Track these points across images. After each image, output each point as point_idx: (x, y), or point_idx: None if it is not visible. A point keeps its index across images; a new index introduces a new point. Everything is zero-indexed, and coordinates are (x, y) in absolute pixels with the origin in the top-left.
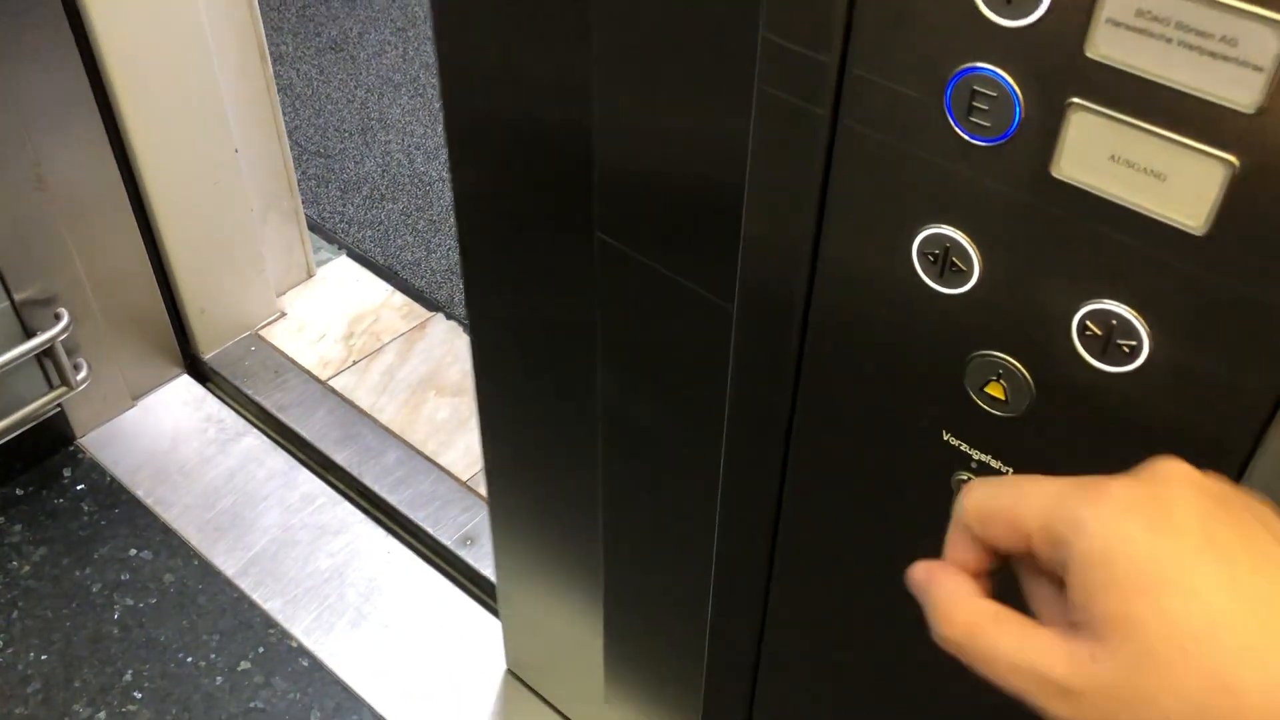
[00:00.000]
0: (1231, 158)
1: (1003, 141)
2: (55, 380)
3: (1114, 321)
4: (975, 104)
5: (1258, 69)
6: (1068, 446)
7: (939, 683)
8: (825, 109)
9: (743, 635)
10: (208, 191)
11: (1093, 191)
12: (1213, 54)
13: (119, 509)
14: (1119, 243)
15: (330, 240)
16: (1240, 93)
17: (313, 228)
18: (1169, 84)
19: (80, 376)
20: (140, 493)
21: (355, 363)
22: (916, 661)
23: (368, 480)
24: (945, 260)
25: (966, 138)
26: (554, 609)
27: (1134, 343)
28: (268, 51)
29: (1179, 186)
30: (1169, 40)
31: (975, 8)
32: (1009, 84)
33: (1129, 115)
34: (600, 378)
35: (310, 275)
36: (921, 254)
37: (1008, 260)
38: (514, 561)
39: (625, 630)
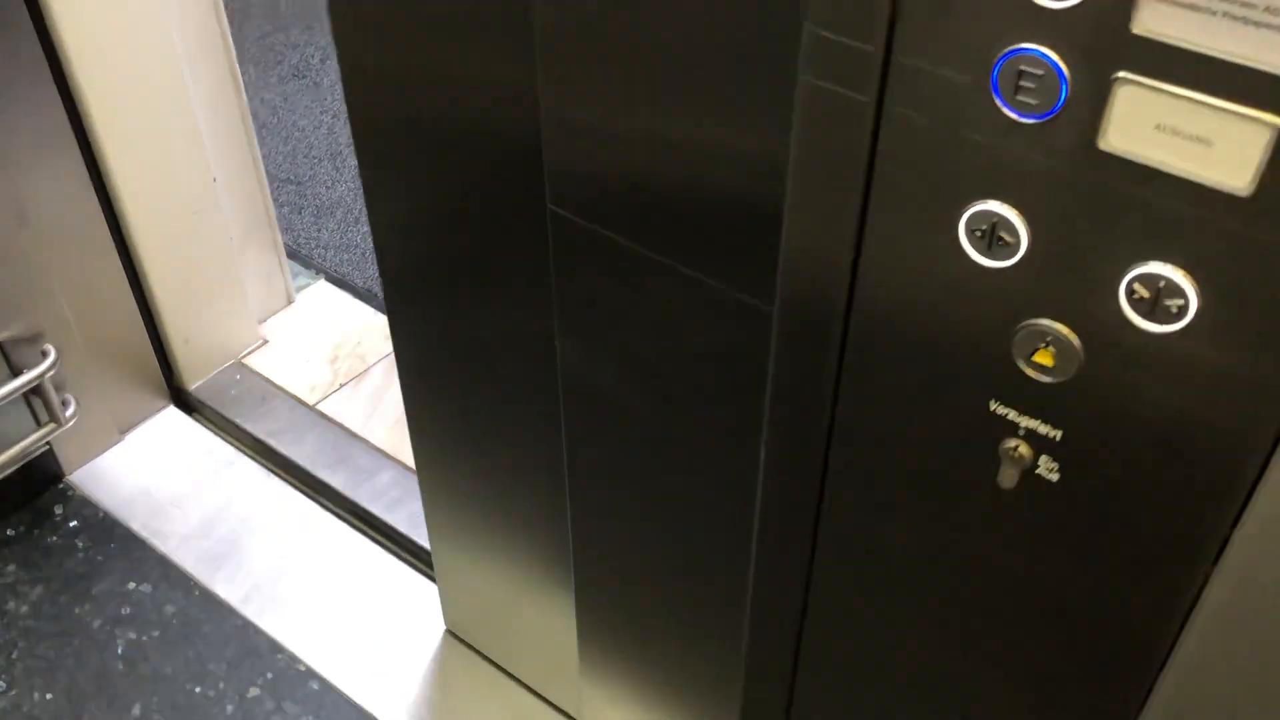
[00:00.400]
0: (1276, 119)
1: (1050, 118)
2: (44, 417)
3: (1161, 283)
4: (1022, 84)
5: None
6: (1116, 408)
7: (984, 665)
8: (870, 97)
9: (783, 627)
10: (188, 222)
11: (1139, 161)
12: (1257, 23)
13: (114, 544)
14: (1165, 208)
15: (307, 266)
16: None
17: (289, 254)
18: (1214, 54)
19: (69, 413)
20: (135, 526)
21: (342, 386)
22: (959, 649)
23: (363, 501)
24: (992, 235)
25: (1014, 116)
26: (492, 572)
27: (1181, 302)
28: (241, 80)
29: (1224, 151)
30: (1214, 13)
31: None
32: (1055, 63)
33: (1175, 86)
34: (560, 350)
35: (290, 301)
36: (969, 230)
37: (1055, 231)
38: (445, 527)
39: (597, 600)
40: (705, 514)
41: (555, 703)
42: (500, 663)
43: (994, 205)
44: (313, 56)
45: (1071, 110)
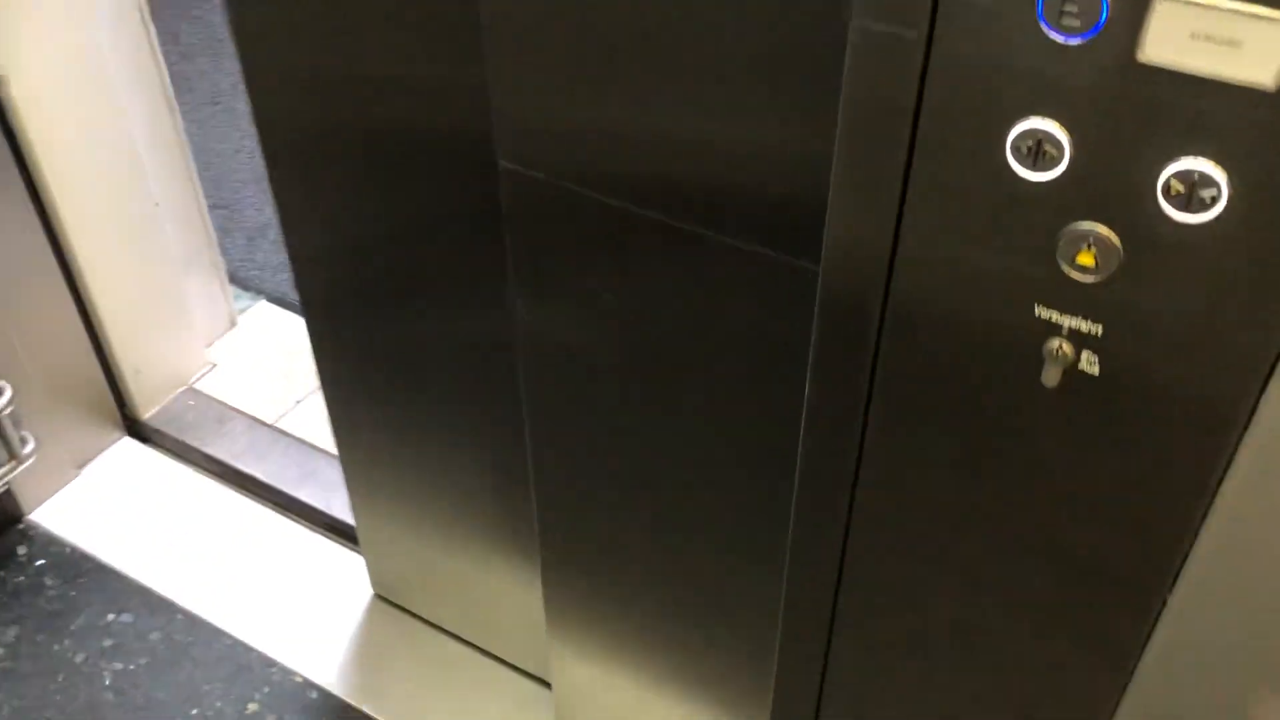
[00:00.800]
0: None
1: (1092, 37)
2: (2, 456)
3: (1196, 177)
4: (1065, 8)
5: None
6: (1152, 299)
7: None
8: (921, 33)
9: (825, 560)
10: (133, 249)
11: (1176, 69)
12: None
13: (85, 578)
14: (1200, 109)
15: (246, 288)
16: None
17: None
18: None
19: (27, 450)
20: (106, 558)
21: (299, 401)
22: (998, 566)
23: (336, 513)
24: (1038, 151)
25: (1058, 39)
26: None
27: (1214, 192)
28: (176, 104)
29: (1253, 51)
30: None
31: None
32: None
33: None
34: (518, 305)
35: (234, 324)
36: (1014, 149)
37: (1097, 140)
38: (368, 492)
39: (562, 556)
40: (675, 457)
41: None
42: (464, 637)
43: (1039, 123)
44: (222, 83)
45: (1112, 28)
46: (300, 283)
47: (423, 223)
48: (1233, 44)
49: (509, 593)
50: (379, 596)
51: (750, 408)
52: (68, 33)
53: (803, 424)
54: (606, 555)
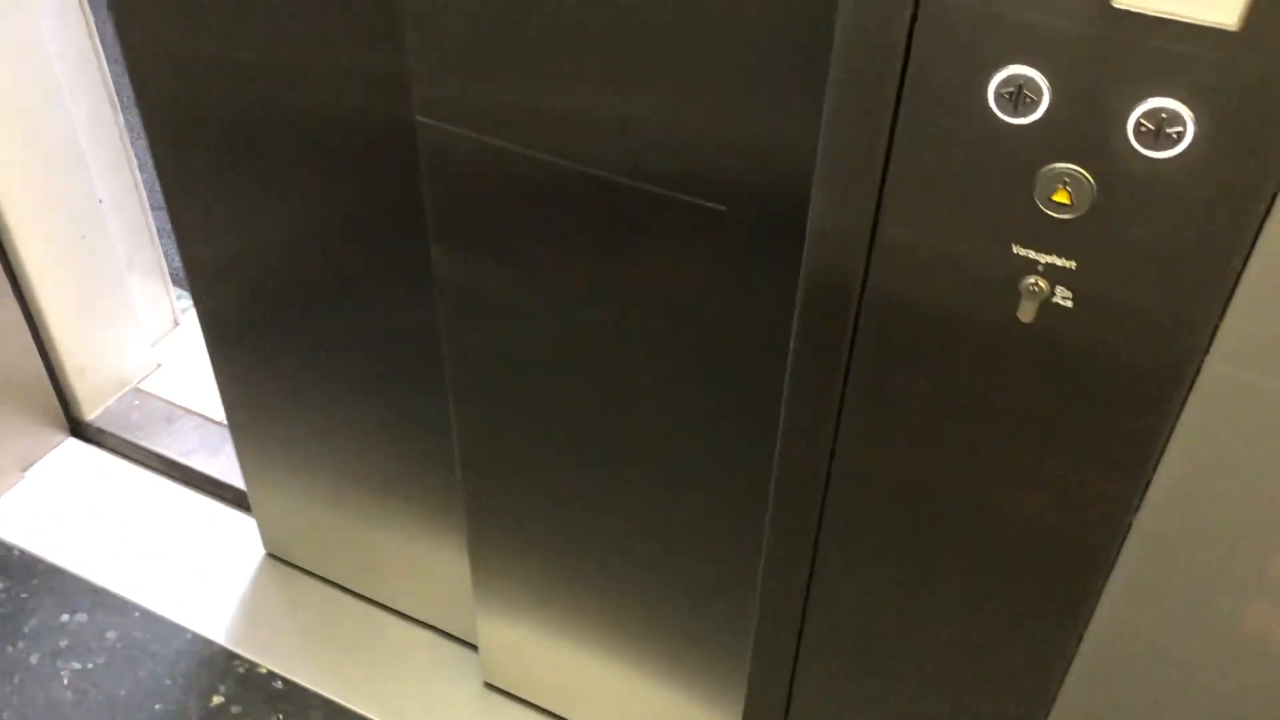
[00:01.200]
0: None
1: None
2: None
3: (1164, 115)
4: None
5: None
6: (1123, 232)
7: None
8: None
9: (806, 496)
10: (77, 246)
11: (1147, 13)
12: None
13: (37, 579)
14: (1169, 50)
15: (187, 288)
16: None
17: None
18: None
19: None
20: (57, 560)
21: None
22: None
23: None
24: (1019, 96)
25: None
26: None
27: (1180, 129)
28: (118, 101)
29: None
30: None
31: None
32: None
33: None
34: (434, 259)
35: (177, 324)
36: (997, 94)
37: (1075, 84)
38: (257, 452)
39: (487, 519)
40: (604, 411)
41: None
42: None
43: (1020, 69)
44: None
45: None
46: (188, 262)
47: (325, 209)
48: None
49: (438, 562)
50: (315, 577)
51: (678, 360)
52: (9, 28)
53: (786, 381)
54: (536, 518)
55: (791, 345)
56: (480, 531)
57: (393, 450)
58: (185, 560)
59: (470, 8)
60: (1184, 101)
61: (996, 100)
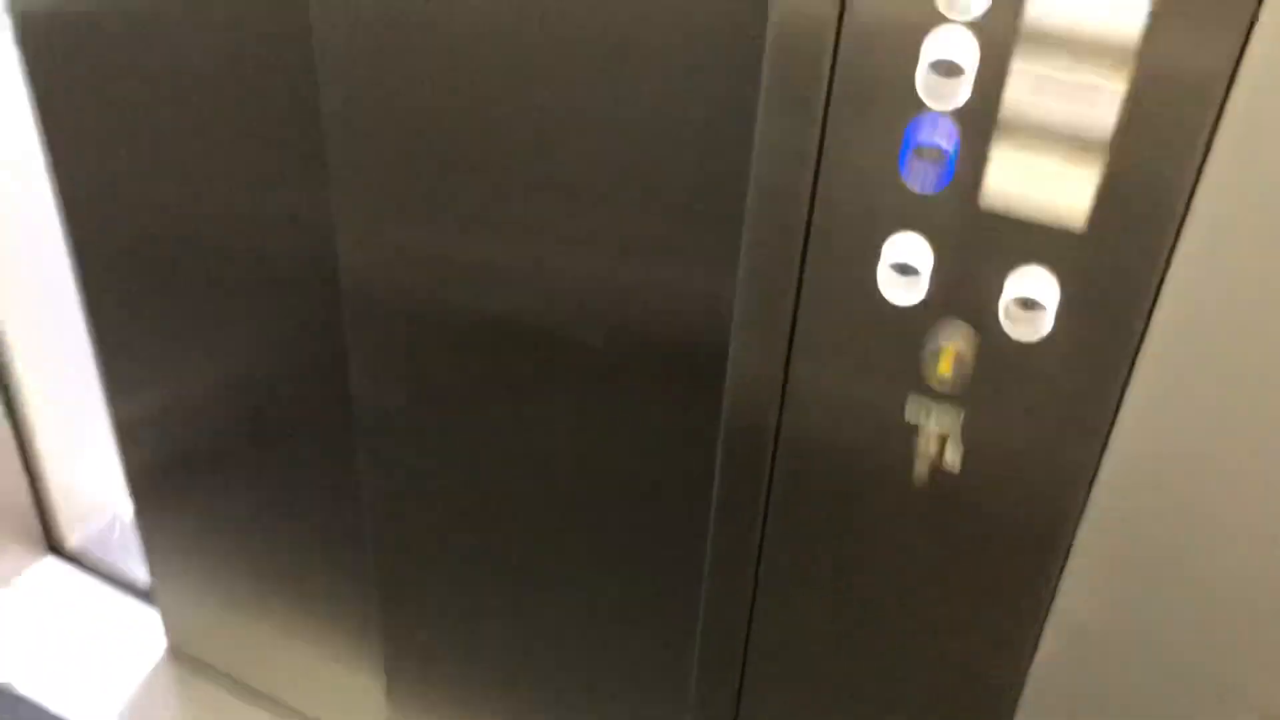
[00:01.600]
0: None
1: (943, 189)
2: None
3: (1029, 302)
4: (918, 165)
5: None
6: (1000, 404)
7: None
8: (806, 185)
9: (735, 620)
10: (70, 374)
11: (1010, 216)
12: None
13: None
14: (1030, 247)
15: None
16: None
17: None
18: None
19: None
20: (21, 689)
21: None
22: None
23: None
24: (906, 273)
25: (916, 189)
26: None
27: (1044, 315)
28: None
29: (1062, 200)
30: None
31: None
32: (945, 148)
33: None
34: (354, 388)
35: None
36: (884, 274)
37: (952, 270)
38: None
39: (401, 615)
40: (520, 529)
41: None
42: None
43: (906, 255)
44: None
45: (958, 182)
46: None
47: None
48: (1049, 193)
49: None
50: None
51: (590, 489)
52: (15, 153)
53: (711, 521)
54: (453, 634)
55: (715, 483)
56: (396, 644)
57: (308, 569)
58: (152, 687)
59: (391, 162)
60: (1046, 290)
61: (884, 280)
